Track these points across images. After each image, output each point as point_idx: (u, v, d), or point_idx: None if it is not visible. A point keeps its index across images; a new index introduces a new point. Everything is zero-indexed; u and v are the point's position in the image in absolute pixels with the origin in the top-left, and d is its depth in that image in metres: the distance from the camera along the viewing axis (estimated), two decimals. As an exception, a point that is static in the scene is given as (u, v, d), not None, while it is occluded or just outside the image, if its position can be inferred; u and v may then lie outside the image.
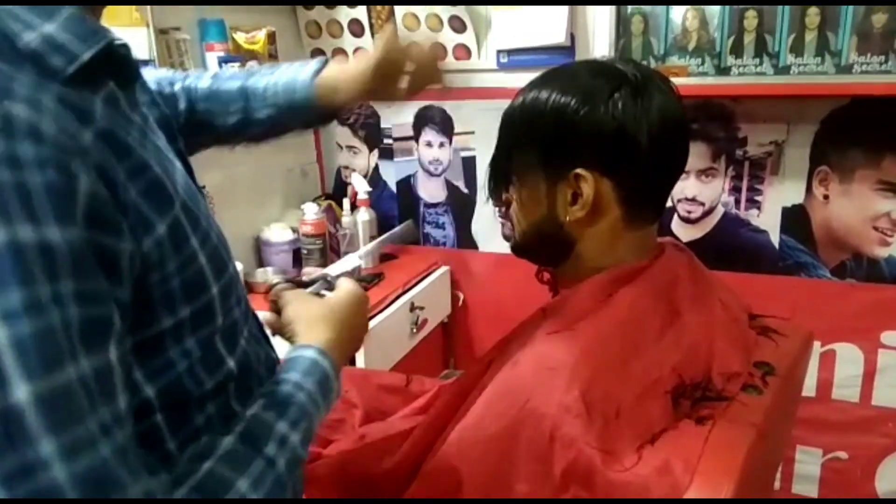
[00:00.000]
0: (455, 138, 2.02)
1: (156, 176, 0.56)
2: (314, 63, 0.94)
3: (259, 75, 0.95)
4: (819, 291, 1.71)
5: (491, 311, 2.08)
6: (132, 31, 1.50)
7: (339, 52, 2.07)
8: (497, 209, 2.01)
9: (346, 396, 1.07)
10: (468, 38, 1.88)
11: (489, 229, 2.04)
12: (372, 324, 1.64)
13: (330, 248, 1.97)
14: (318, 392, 0.66)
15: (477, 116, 1.95)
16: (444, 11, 1.86)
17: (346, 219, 1.99)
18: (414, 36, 1.92)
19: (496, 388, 0.77)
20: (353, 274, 0.85)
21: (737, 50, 1.61)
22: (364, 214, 1.96)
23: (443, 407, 0.85)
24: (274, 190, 2.03)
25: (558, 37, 1.73)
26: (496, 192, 0.89)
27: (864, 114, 1.57)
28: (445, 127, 2.03)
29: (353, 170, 2.17)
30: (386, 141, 2.12)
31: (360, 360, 1.60)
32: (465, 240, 2.09)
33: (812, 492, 1.81)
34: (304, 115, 0.94)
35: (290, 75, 0.93)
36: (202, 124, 0.93)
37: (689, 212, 1.80)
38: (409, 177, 2.11)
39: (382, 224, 2.07)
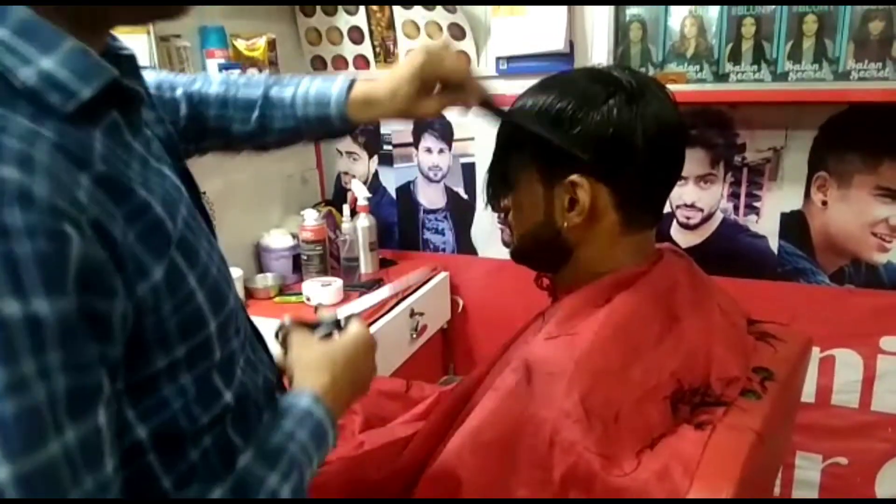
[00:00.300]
0: (454, 144, 2.03)
1: (155, 216, 0.55)
2: (343, 78, 0.91)
3: (282, 85, 0.92)
4: (818, 297, 1.71)
5: (490, 316, 2.08)
6: (133, 39, 1.51)
7: (339, 59, 2.08)
8: (497, 215, 2.02)
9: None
10: (468, 45, 1.89)
11: (489, 235, 2.05)
12: (371, 330, 1.64)
13: (330, 255, 1.97)
14: (310, 441, 0.65)
15: (476, 122, 1.96)
16: (444, 19, 1.87)
17: (345, 225, 1.99)
18: (414, 44, 1.94)
19: (496, 393, 0.77)
20: (361, 315, 0.83)
21: (735, 57, 1.62)
22: (364, 220, 1.97)
23: (443, 413, 0.85)
24: (274, 196, 2.04)
25: (557, 44, 1.74)
26: (495, 198, 0.90)
27: (862, 120, 1.57)
28: (445, 133, 2.03)
29: (353, 176, 2.17)
30: (385, 147, 2.13)
31: (360, 365, 1.60)
32: (465, 246, 2.09)
33: (812, 497, 1.81)
34: (328, 127, 0.91)
35: (321, 87, 0.90)
36: (214, 130, 0.92)
37: (688, 218, 1.80)
38: (408, 183, 2.12)
39: (382, 230, 2.07)
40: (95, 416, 0.46)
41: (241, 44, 1.83)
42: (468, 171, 2.03)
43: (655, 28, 1.68)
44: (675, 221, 1.81)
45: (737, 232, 1.77)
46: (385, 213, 2.15)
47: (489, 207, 0.92)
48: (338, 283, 1.77)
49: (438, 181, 2.07)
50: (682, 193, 1.78)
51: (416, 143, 2.08)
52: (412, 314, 1.85)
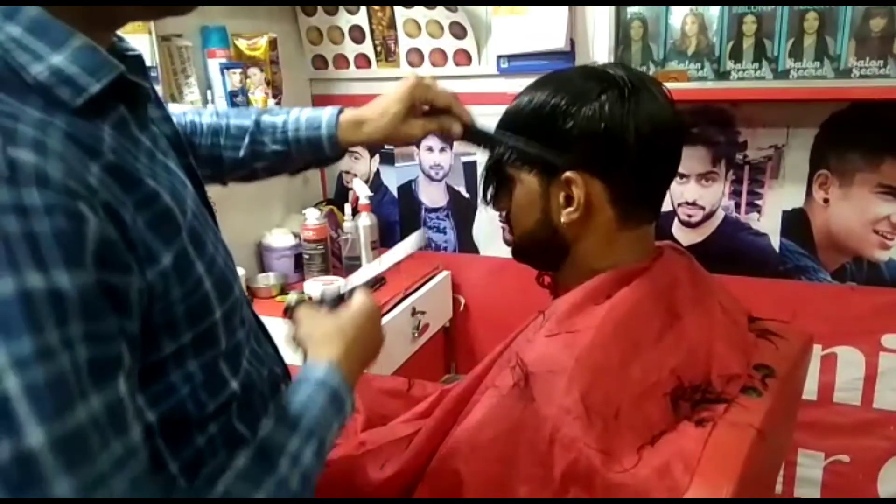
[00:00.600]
0: (456, 143, 2.03)
1: (165, 205, 0.56)
2: (331, 108, 0.96)
3: (272, 114, 0.95)
4: (819, 295, 1.71)
5: (492, 315, 2.09)
6: (135, 39, 1.51)
7: (341, 58, 2.08)
8: (498, 214, 2.02)
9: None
10: (468, 43, 1.89)
11: (490, 234, 2.05)
12: (373, 328, 1.65)
13: (332, 254, 1.97)
14: (329, 407, 0.67)
15: (478, 121, 1.96)
16: (445, 18, 1.87)
17: (347, 224, 2.00)
18: (415, 43, 1.94)
19: (496, 391, 0.77)
20: (369, 285, 0.84)
21: (736, 54, 1.62)
22: (365, 219, 1.97)
23: (444, 412, 0.85)
24: (275, 195, 2.04)
25: (558, 42, 1.74)
26: (493, 197, 0.90)
27: (864, 117, 1.57)
28: (446, 132, 2.03)
29: (355, 175, 2.17)
30: (387, 146, 2.13)
31: (362, 364, 1.60)
32: (466, 244, 2.09)
33: (814, 495, 1.81)
34: (318, 150, 0.93)
35: (312, 113, 0.95)
36: (206, 159, 0.93)
37: (690, 216, 1.80)
38: (410, 182, 2.12)
39: (384, 229, 2.07)
40: (117, 386, 0.48)
41: (242, 43, 1.84)
42: (469, 169, 2.03)
43: (656, 26, 1.68)
44: (676, 219, 1.81)
45: (738, 230, 1.77)
46: (386, 211, 2.15)
47: (488, 206, 0.92)
48: (340, 282, 1.77)
49: (440, 180, 2.07)
50: (684, 191, 1.78)
51: (416, 143, 2.08)
52: (414, 313, 1.85)
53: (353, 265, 1.96)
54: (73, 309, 0.45)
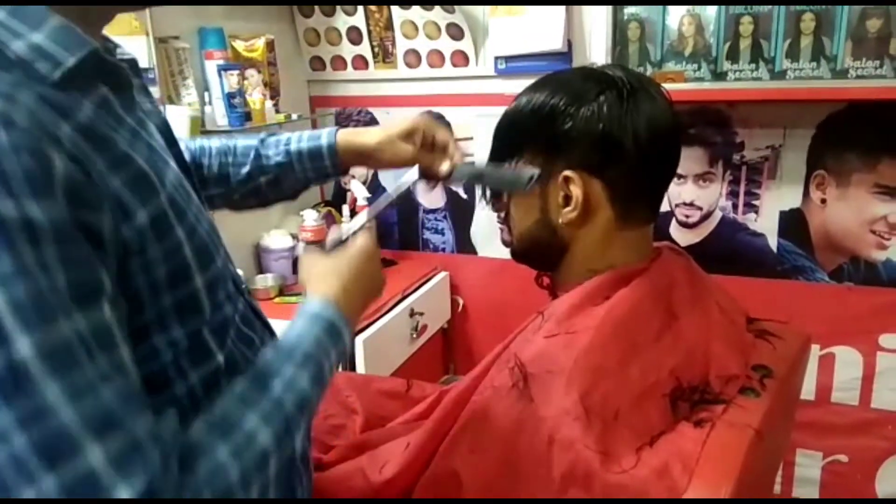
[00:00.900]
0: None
1: (140, 169, 0.58)
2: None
3: (277, 134, 0.99)
4: (817, 295, 1.71)
5: (490, 316, 2.09)
6: (132, 40, 1.51)
7: (338, 59, 2.08)
8: (497, 215, 2.02)
9: (346, 402, 1.08)
10: (466, 45, 1.89)
11: (488, 234, 2.05)
12: (371, 330, 1.65)
13: (329, 255, 1.97)
14: (325, 337, 0.69)
15: (475, 122, 1.96)
16: (442, 19, 1.87)
17: (345, 225, 1.99)
18: (413, 44, 1.94)
19: (495, 392, 0.77)
20: (365, 228, 0.87)
21: (733, 55, 1.62)
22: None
23: (443, 413, 0.85)
24: (273, 197, 2.04)
25: (555, 43, 1.74)
26: (495, 197, 0.91)
27: (860, 118, 1.58)
28: (444, 133, 2.03)
29: (353, 176, 2.17)
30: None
31: (360, 365, 1.60)
32: (464, 245, 2.10)
33: (812, 495, 1.81)
34: (318, 161, 0.96)
35: (314, 131, 0.98)
36: (216, 179, 0.96)
37: (687, 216, 1.80)
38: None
39: (382, 230, 2.07)
40: (101, 309, 0.50)
41: (239, 45, 1.84)
42: (467, 170, 2.02)
43: (653, 27, 1.68)
44: (674, 220, 1.82)
45: (736, 230, 1.77)
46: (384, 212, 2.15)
47: (488, 207, 0.92)
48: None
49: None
50: (681, 192, 1.78)
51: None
52: (412, 314, 1.85)
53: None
54: (47, 235, 0.47)
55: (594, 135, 0.77)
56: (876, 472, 1.73)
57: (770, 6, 1.56)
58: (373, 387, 1.13)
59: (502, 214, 0.91)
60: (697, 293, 0.82)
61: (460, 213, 2.07)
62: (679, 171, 1.56)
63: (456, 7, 1.83)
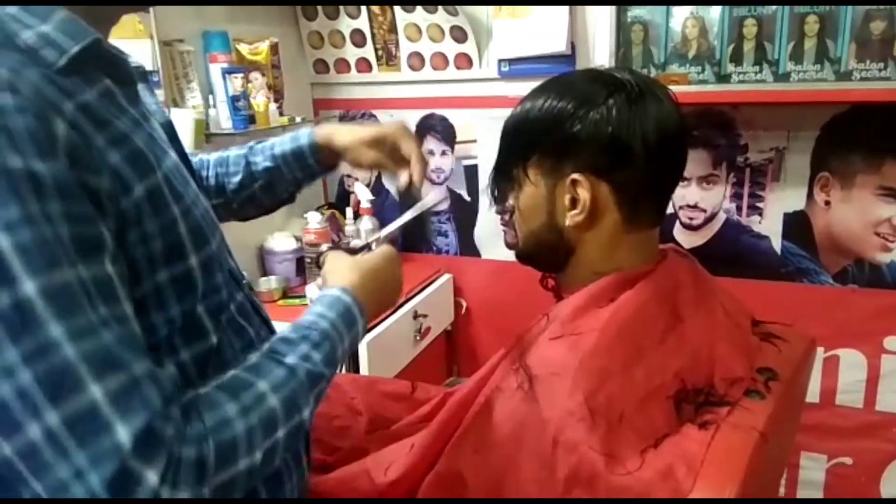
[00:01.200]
0: (457, 147, 2.03)
1: (137, 147, 0.60)
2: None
3: (263, 141, 1.02)
4: (821, 297, 1.71)
5: (493, 318, 2.09)
6: (136, 43, 1.52)
7: (342, 62, 2.09)
8: (500, 217, 2.02)
9: (351, 404, 1.08)
10: (469, 47, 1.90)
11: (491, 237, 2.05)
12: (375, 332, 1.65)
13: (333, 257, 1.97)
14: (340, 322, 0.72)
15: (479, 125, 1.96)
16: (446, 21, 1.87)
17: (349, 227, 2.00)
18: (416, 47, 1.95)
19: (500, 394, 0.77)
20: (390, 238, 0.94)
21: (737, 57, 1.62)
22: (367, 223, 1.97)
23: (448, 415, 0.85)
24: (277, 199, 2.04)
25: (559, 45, 1.74)
26: (500, 199, 0.91)
27: (864, 120, 1.58)
28: (447, 135, 2.04)
29: (356, 178, 2.18)
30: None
31: (364, 367, 1.60)
32: (468, 247, 2.10)
33: (817, 497, 1.81)
34: (301, 160, 0.99)
35: (294, 132, 1.02)
36: (213, 189, 1.00)
37: (691, 218, 1.80)
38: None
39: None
40: (104, 264, 0.53)
41: (243, 48, 1.84)
42: (471, 173, 2.03)
43: (657, 30, 1.68)
44: (677, 222, 1.82)
45: (740, 232, 1.77)
46: (388, 215, 2.15)
47: (493, 208, 0.92)
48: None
49: (441, 183, 2.08)
50: (685, 194, 1.78)
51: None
52: (416, 316, 1.85)
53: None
54: (50, 190, 0.50)
55: (603, 138, 0.77)
56: (881, 474, 1.73)
57: (773, 8, 1.56)
58: (377, 388, 1.13)
59: (507, 217, 0.91)
60: (702, 295, 0.82)
61: (463, 216, 2.08)
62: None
63: (459, 9, 1.84)
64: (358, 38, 2.03)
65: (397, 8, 1.92)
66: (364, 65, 2.06)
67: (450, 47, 1.92)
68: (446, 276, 2.07)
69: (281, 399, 0.62)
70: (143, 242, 0.59)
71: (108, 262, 0.53)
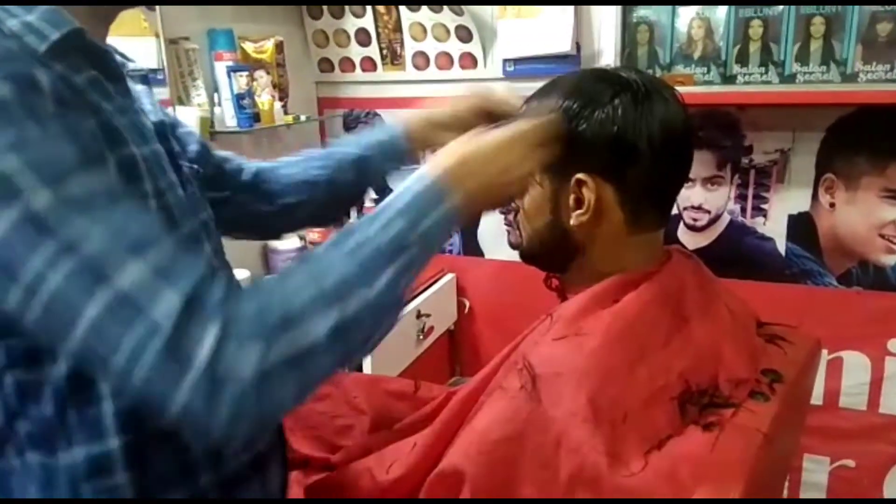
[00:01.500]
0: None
1: (112, 123, 0.61)
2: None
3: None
4: (825, 299, 1.70)
5: (497, 318, 2.09)
6: (141, 41, 1.52)
7: (347, 61, 2.09)
8: (503, 217, 2.02)
9: (354, 402, 1.08)
10: (474, 47, 1.89)
11: (495, 236, 2.05)
12: (378, 331, 1.64)
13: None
14: (425, 194, 0.65)
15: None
16: (451, 21, 1.87)
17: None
18: (421, 46, 1.95)
19: (504, 393, 0.77)
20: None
21: (742, 58, 1.62)
22: (371, 222, 1.97)
23: (451, 414, 0.86)
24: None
25: (564, 45, 1.74)
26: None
27: (870, 122, 1.57)
28: (452, 135, 2.03)
29: (360, 178, 2.17)
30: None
31: (367, 366, 1.60)
32: (471, 247, 2.10)
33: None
34: (392, 146, 0.98)
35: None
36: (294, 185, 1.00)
37: (695, 220, 1.80)
38: (415, 185, 2.12)
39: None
40: (107, 172, 0.55)
41: (249, 46, 1.84)
42: (475, 172, 2.02)
43: (662, 30, 1.68)
44: (682, 223, 1.81)
45: (744, 234, 1.76)
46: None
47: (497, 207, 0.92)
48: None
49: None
50: (690, 195, 1.78)
51: None
52: (419, 315, 1.85)
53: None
54: (47, 112, 0.52)
55: (608, 138, 0.77)
56: (884, 477, 1.72)
57: (779, 9, 1.56)
58: (380, 387, 1.13)
59: (510, 216, 0.91)
60: (707, 297, 0.82)
61: (467, 215, 2.07)
62: (687, 174, 1.56)
63: (464, 9, 1.84)
64: (363, 38, 2.03)
65: (402, 7, 1.92)
66: (369, 64, 2.06)
67: (455, 47, 1.92)
68: (449, 276, 2.07)
69: (354, 264, 0.58)
70: None
71: (111, 165, 0.55)
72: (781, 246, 1.74)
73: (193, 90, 1.68)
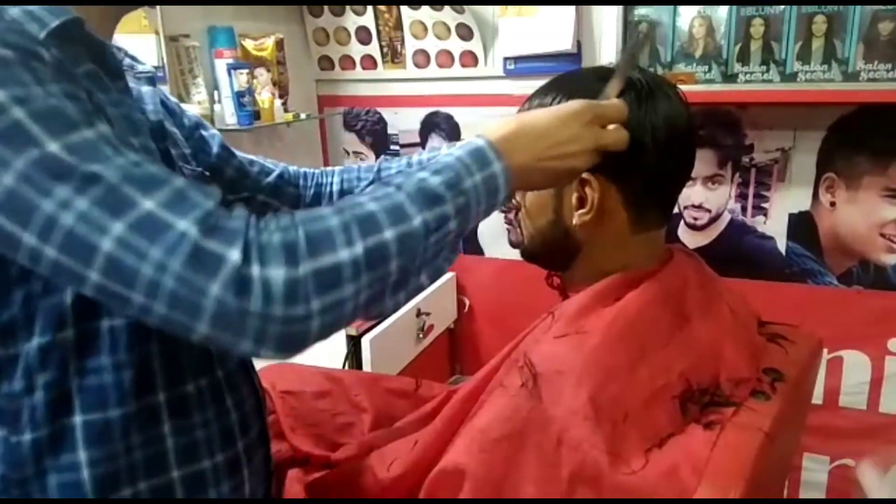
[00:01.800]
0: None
1: (107, 113, 0.62)
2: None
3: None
4: (826, 298, 1.70)
5: (496, 316, 2.09)
6: (142, 38, 1.52)
7: (347, 59, 2.08)
8: (504, 216, 2.02)
9: (355, 400, 1.08)
10: (475, 45, 1.89)
11: (495, 235, 2.05)
12: (378, 329, 1.65)
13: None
14: (468, 158, 0.63)
15: (484, 123, 1.95)
16: (452, 19, 1.87)
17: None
18: (422, 44, 1.94)
19: (505, 391, 0.77)
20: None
21: (743, 57, 1.62)
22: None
23: (452, 412, 0.85)
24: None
25: (565, 44, 1.74)
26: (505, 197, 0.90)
27: (871, 121, 1.57)
28: (452, 133, 2.03)
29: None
30: (392, 147, 2.13)
31: (367, 365, 1.60)
32: (471, 245, 2.09)
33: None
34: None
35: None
36: (339, 195, 1.02)
37: (696, 218, 1.80)
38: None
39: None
40: (107, 129, 0.55)
41: (249, 44, 1.84)
42: (475, 171, 2.02)
43: (664, 28, 1.68)
44: (682, 222, 1.81)
45: (744, 233, 1.76)
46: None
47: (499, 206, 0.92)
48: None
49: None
50: (690, 194, 1.78)
51: (423, 143, 2.08)
52: (418, 314, 1.85)
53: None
54: (47, 75, 0.54)
55: None
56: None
57: (781, 8, 1.55)
58: (381, 385, 1.13)
59: (510, 214, 0.90)
60: (709, 295, 0.82)
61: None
62: (688, 172, 1.56)
63: (465, 7, 1.83)
64: (363, 35, 2.02)
65: (403, 6, 1.92)
66: (369, 62, 2.06)
67: (455, 45, 1.92)
68: (449, 274, 2.07)
69: (382, 205, 0.57)
70: None
71: (103, 123, 0.56)
72: (782, 245, 1.74)
73: (193, 88, 1.68)
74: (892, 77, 1.50)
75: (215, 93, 1.72)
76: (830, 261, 1.70)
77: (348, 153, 2.19)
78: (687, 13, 1.65)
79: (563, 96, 0.79)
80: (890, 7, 1.47)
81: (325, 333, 0.54)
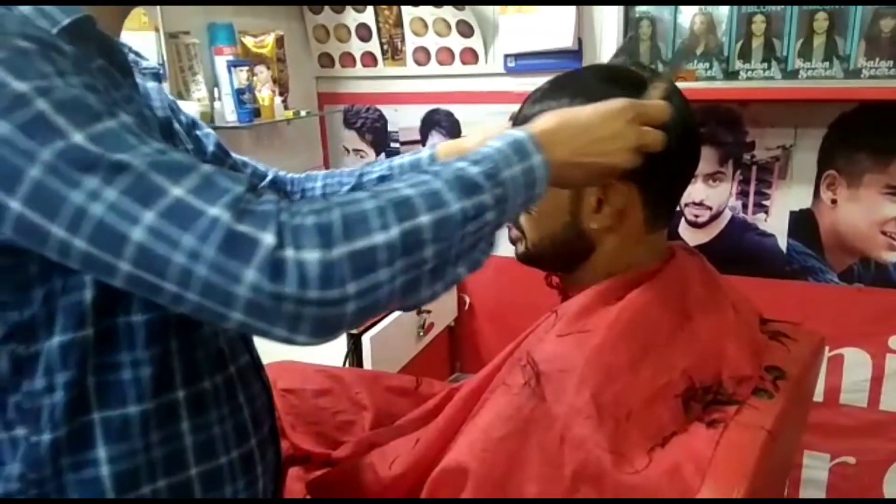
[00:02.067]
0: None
1: (121, 107, 0.62)
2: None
3: (373, 166, 1.03)
4: (826, 296, 1.70)
5: (497, 314, 2.08)
6: (141, 35, 1.51)
7: (347, 56, 2.08)
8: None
9: (356, 398, 1.08)
10: (476, 42, 1.89)
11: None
12: (378, 327, 1.65)
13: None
14: (507, 149, 0.62)
15: (484, 120, 1.95)
16: (452, 16, 1.87)
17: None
18: (422, 41, 1.94)
19: (507, 390, 0.77)
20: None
21: (745, 54, 1.61)
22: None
23: (454, 410, 0.85)
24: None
25: (566, 41, 1.73)
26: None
27: (873, 118, 1.57)
28: (453, 130, 2.03)
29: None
30: (393, 144, 2.13)
31: (367, 362, 1.60)
32: (472, 243, 2.09)
33: (820, 497, 1.80)
34: (418, 170, 0.99)
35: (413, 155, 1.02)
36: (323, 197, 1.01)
37: (697, 216, 1.80)
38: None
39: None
40: (129, 119, 0.55)
41: (249, 41, 1.84)
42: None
43: (665, 25, 1.68)
44: (683, 219, 1.81)
45: (745, 230, 1.76)
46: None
47: None
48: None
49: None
50: (691, 191, 1.78)
51: (423, 141, 2.08)
52: (419, 312, 1.85)
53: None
54: (66, 66, 0.54)
55: None
56: (884, 474, 1.73)
57: (783, 5, 1.55)
58: (382, 383, 1.13)
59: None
60: (711, 293, 0.82)
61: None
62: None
63: (466, 4, 1.83)
64: (363, 33, 2.02)
65: (403, 4, 1.92)
66: (369, 59, 2.06)
67: (456, 42, 1.91)
68: (450, 272, 2.06)
69: (419, 191, 0.56)
70: None
71: (123, 115, 0.55)
72: (783, 242, 1.73)
73: (193, 85, 1.68)
74: (893, 74, 1.50)
75: (215, 90, 1.71)
76: (831, 258, 1.70)
77: (348, 150, 2.19)
78: (688, 10, 1.65)
79: (569, 100, 0.77)
80: (891, 5, 1.46)
81: (360, 318, 0.54)
